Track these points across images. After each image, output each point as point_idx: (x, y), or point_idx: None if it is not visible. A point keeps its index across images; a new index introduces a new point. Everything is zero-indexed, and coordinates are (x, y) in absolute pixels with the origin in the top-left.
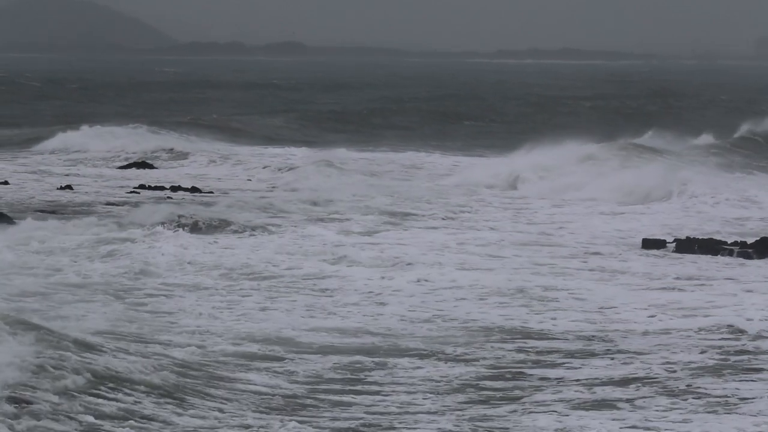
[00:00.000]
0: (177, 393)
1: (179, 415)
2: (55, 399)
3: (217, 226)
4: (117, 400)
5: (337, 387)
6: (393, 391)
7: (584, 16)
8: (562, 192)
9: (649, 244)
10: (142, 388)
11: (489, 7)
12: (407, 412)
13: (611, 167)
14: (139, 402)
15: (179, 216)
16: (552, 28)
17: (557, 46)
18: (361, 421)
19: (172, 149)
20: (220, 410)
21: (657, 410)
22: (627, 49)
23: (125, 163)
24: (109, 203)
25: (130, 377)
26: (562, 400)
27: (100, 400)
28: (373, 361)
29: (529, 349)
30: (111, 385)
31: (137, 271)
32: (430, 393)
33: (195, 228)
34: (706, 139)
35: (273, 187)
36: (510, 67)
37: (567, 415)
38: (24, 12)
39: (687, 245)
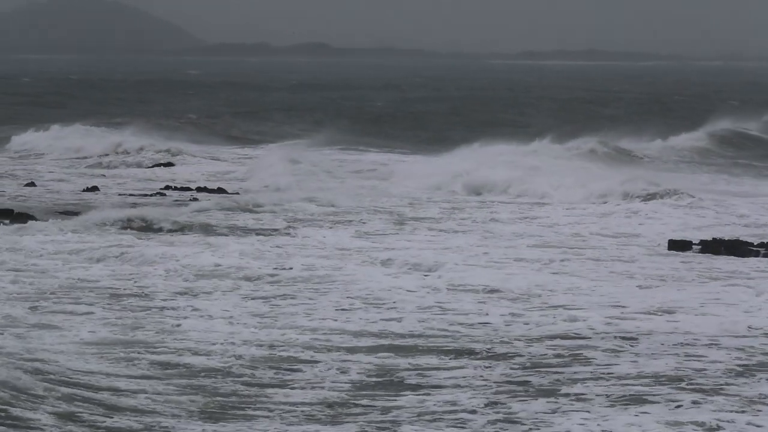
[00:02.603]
0: (209, 416)
1: None
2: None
3: (223, 227)
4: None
5: (380, 391)
6: (435, 392)
7: (609, 17)
8: (566, 193)
9: (675, 245)
10: (164, 404)
11: (515, 8)
12: (453, 411)
13: (612, 166)
14: (167, 422)
15: (181, 217)
16: (577, 28)
17: (582, 47)
18: (411, 422)
19: (192, 150)
20: (262, 426)
21: (688, 408)
22: (653, 50)
23: (151, 162)
24: (134, 205)
25: (145, 394)
26: (598, 396)
27: (108, 420)
28: (407, 362)
29: (558, 348)
30: (127, 405)
31: (139, 274)
32: (472, 390)
33: (198, 229)
34: (711, 140)
35: (284, 188)
36: (535, 69)
37: (602, 413)
38: (50, 13)
39: (713, 246)
